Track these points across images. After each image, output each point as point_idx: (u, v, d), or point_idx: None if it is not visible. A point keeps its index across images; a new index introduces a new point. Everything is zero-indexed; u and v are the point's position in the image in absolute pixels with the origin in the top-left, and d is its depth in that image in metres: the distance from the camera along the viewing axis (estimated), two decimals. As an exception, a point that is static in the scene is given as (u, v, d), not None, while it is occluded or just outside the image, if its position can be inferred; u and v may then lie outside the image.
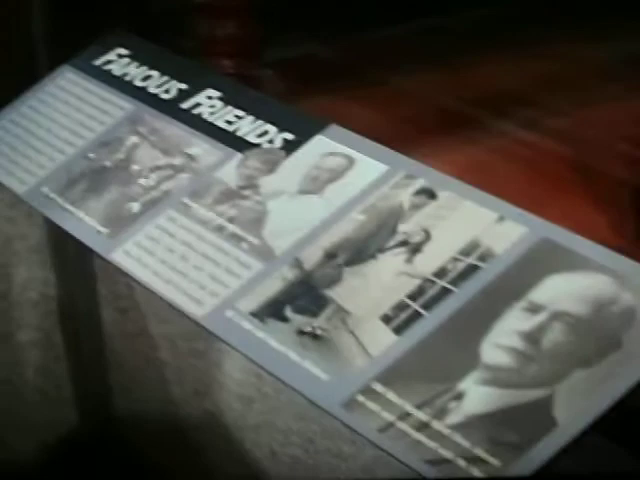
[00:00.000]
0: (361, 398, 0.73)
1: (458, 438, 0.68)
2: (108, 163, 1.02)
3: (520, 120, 2.84)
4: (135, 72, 1.12)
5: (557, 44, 3.23)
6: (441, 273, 0.79)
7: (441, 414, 0.69)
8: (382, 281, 0.81)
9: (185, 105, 1.04)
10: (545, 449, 0.65)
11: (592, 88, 2.97)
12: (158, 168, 0.99)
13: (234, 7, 2.51)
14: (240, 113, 1.01)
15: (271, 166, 0.94)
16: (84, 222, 0.97)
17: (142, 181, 0.98)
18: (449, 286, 0.78)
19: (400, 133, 2.81)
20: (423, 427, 0.69)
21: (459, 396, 0.70)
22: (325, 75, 2.92)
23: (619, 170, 2.36)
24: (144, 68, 1.11)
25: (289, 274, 0.84)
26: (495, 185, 0.87)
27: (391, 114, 2.87)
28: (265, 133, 0.98)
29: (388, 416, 0.71)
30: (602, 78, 3.09)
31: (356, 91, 2.94)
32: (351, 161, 0.91)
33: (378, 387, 0.73)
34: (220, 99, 1.04)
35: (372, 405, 0.72)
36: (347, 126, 0.95)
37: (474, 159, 2.54)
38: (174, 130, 1.02)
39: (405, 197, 0.86)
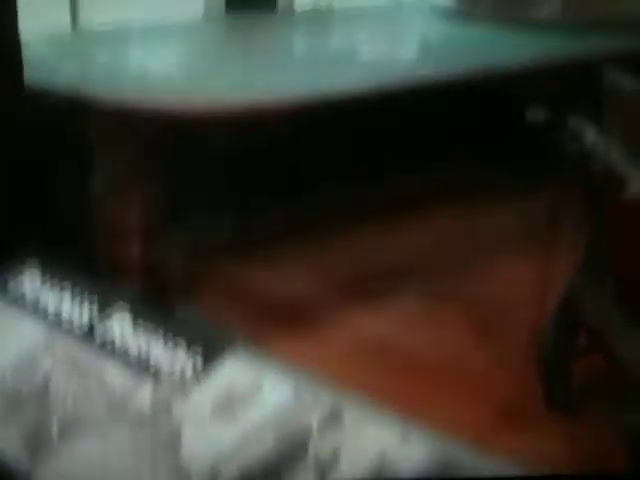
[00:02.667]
0: None
1: None
2: (24, 387, 1.04)
3: (423, 292, 2.91)
4: (48, 296, 1.15)
5: (454, 210, 3.32)
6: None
7: None
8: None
9: (98, 329, 1.08)
10: None
11: (491, 255, 3.07)
12: (73, 393, 1.01)
13: (136, 196, 2.59)
14: (151, 336, 1.05)
15: (183, 391, 0.98)
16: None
17: (58, 405, 1.00)
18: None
19: (301, 305, 2.85)
20: None
21: None
22: (225, 255, 2.97)
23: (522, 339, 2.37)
24: (57, 290, 1.15)
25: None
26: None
27: (292, 286, 2.93)
28: (176, 357, 1.02)
29: None
30: (500, 244, 3.20)
31: (256, 267, 3.00)
32: (259, 384, 0.96)
33: None
34: (132, 321, 1.08)
35: None
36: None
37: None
38: (87, 355, 1.05)
39: (313, 419, 0.91)
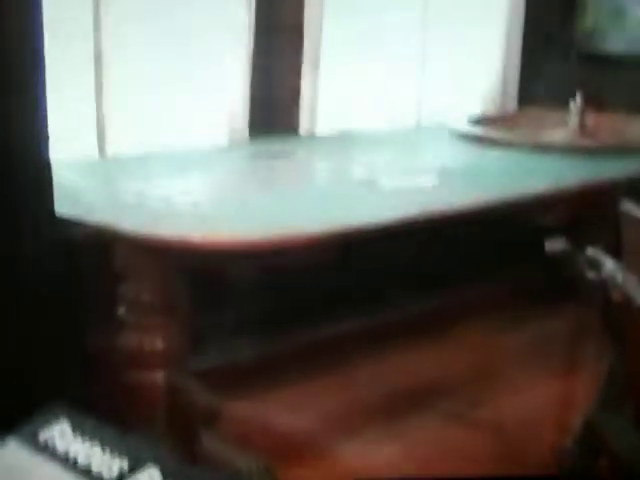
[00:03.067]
0: None
1: None
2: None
3: (445, 412, 2.93)
4: (78, 448, 1.18)
5: (473, 333, 3.38)
6: None
7: None
8: None
9: (127, 484, 1.11)
10: None
11: (511, 376, 3.09)
12: None
13: (160, 324, 2.63)
14: (180, 492, 1.07)
15: None
16: None
17: None
18: None
19: (326, 428, 2.88)
20: None
21: None
22: (247, 380, 3.01)
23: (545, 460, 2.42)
24: (87, 444, 1.18)
25: None
26: None
27: (314, 411, 2.95)
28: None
29: None
30: (519, 364, 3.22)
31: (278, 392, 3.03)
32: None
33: None
34: (161, 477, 1.10)
35: None
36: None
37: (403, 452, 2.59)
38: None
39: None
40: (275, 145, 3.58)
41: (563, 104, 4.03)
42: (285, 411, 2.93)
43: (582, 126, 3.90)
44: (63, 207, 2.46)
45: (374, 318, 3.41)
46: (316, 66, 3.84)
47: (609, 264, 2.21)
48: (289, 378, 3.02)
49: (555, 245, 2.46)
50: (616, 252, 2.26)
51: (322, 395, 2.96)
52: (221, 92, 3.62)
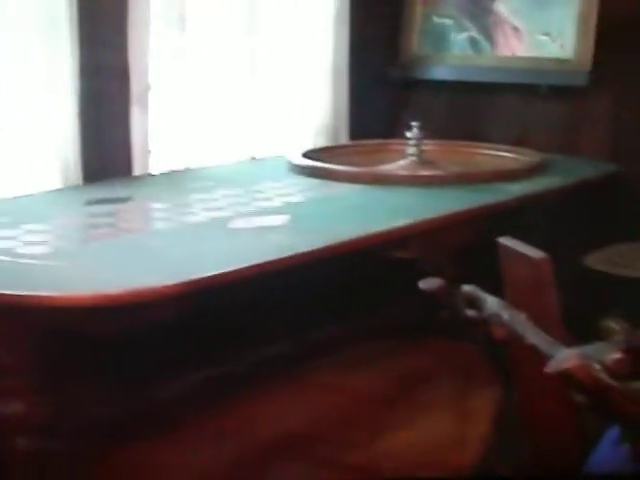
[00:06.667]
0: None
1: None
2: None
3: (317, 458, 2.84)
4: None
5: (338, 373, 3.31)
6: None
7: None
8: None
9: None
10: None
11: (377, 418, 3.03)
12: None
13: (20, 386, 2.45)
14: None
15: None
16: None
17: None
18: None
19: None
20: None
21: None
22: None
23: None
24: None
25: None
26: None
27: (179, 468, 2.81)
28: None
29: None
30: (391, 403, 3.17)
31: (139, 448, 2.86)
32: None
33: None
34: None
35: None
36: None
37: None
38: None
39: None
40: (111, 189, 3.44)
41: (398, 134, 4.04)
42: (145, 467, 2.78)
43: (421, 156, 3.90)
44: None
45: (235, 366, 3.29)
46: (145, 106, 3.74)
47: (491, 301, 2.17)
48: (153, 433, 2.87)
49: (430, 283, 2.40)
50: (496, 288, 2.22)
51: (187, 452, 2.81)
52: (51, 137, 3.45)
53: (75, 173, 3.51)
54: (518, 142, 4.19)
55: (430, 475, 2.55)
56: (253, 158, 4.20)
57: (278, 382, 3.21)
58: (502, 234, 2.24)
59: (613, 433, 1.86)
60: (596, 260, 3.40)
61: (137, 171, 3.74)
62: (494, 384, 2.29)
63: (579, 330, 2.03)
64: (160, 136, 3.88)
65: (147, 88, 3.75)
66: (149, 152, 3.81)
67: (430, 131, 3.95)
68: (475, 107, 4.48)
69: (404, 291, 2.47)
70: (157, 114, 3.85)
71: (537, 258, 2.07)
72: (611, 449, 1.85)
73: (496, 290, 2.20)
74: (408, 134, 3.91)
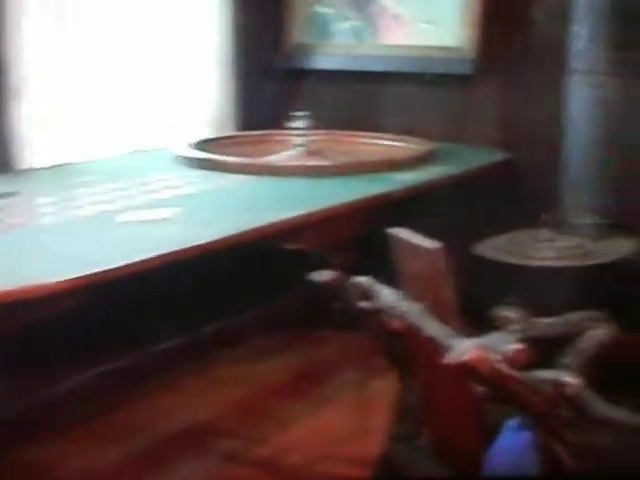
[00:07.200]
0: None
1: None
2: None
3: (222, 453, 2.80)
4: None
5: (237, 365, 3.26)
6: None
7: None
8: None
9: None
10: None
11: (286, 408, 3.00)
12: None
13: None
14: None
15: None
16: None
17: None
18: None
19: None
20: None
21: None
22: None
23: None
24: None
25: None
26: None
27: (81, 463, 2.74)
28: None
29: None
30: (291, 395, 3.15)
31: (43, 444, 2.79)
32: None
33: None
34: None
35: None
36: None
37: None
38: None
39: None
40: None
41: (286, 124, 4.00)
42: (49, 465, 2.71)
43: (309, 146, 3.88)
44: None
45: (132, 360, 3.23)
46: (23, 99, 3.64)
47: (386, 293, 2.16)
48: (52, 428, 2.79)
49: (323, 275, 2.38)
50: (389, 279, 2.21)
51: (90, 447, 2.75)
52: None
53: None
54: (406, 131, 4.19)
55: (334, 466, 2.54)
56: (137, 151, 4.11)
57: (179, 376, 3.17)
58: (395, 224, 2.22)
59: (514, 422, 1.87)
60: (487, 248, 3.42)
61: (17, 165, 3.63)
62: (391, 375, 2.27)
63: (475, 319, 2.03)
64: (41, 130, 3.77)
65: (24, 80, 3.64)
66: (29, 146, 3.70)
67: (317, 121, 3.93)
68: (362, 96, 4.46)
69: (299, 283, 2.45)
70: (37, 107, 3.74)
71: (431, 248, 2.05)
72: (512, 438, 1.86)
73: (391, 281, 2.19)
74: (295, 124, 3.88)
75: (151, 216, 2.99)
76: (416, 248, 2.11)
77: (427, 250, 2.06)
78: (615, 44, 3.62)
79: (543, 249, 3.43)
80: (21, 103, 3.63)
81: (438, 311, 1.96)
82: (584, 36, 3.65)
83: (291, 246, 3.05)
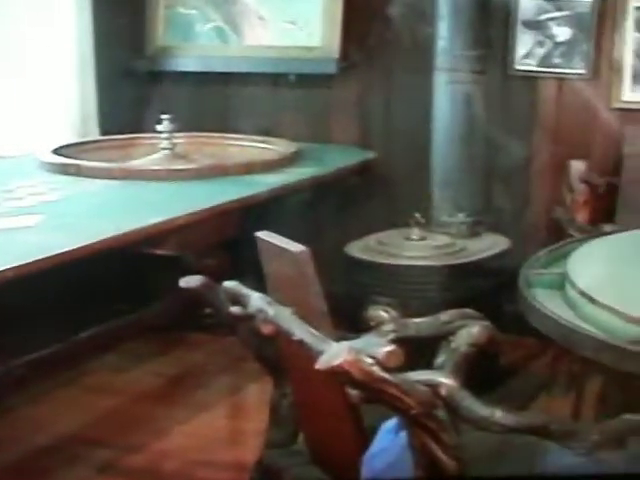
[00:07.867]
0: None
1: None
2: None
3: (96, 463, 2.73)
4: None
5: (103, 376, 3.19)
6: None
7: None
8: None
9: None
10: None
11: (155, 418, 2.95)
12: None
13: None
14: None
15: None
16: None
17: None
18: None
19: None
20: None
21: None
22: None
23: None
24: None
25: None
26: None
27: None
28: None
29: None
30: (158, 404, 3.09)
31: None
32: None
33: None
34: None
35: None
36: None
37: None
38: None
39: None
40: None
41: (149, 127, 3.94)
42: None
43: (173, 150, 3.83)
44: None
45: (4, 371, 3.13)
46: None
47: (255, 297, 2.12)
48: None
49: (191, 281, 2.34)
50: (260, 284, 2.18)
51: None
52: None
53: None
54: (268, 132, 4.17)
55: (211, 472, 2.51)
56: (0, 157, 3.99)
57: (50, 387, 3.09)
58: (262, 227, 2.20)
59: (390, 423, 1.86)
60: (356, 248, 3.42)
61: None
62: (264, 379, 2.25)
63: (348, 320, 2.02)
64: None
65: None
66: None
67: (181, 123, 3.87)
68: (223, 98, 4.43)
69: (168, 288, 2.40)
70: None
71: (296, 251, 2.02)
72: (389, 439, 1.85)
73: (261, 285, 2.16)
74: (159, 127, 3.82)
75: (14, 224, 2.90)
76: (283, 251, 2.09)
77: (293, 254, 2.03)
78: (475, 41, 3.67)
79: (414, 248, 3.46)
80: None
81: (307, 314, 1.94)
82: (446, 34, 3.69)
83: (157, 251, 2.99)
